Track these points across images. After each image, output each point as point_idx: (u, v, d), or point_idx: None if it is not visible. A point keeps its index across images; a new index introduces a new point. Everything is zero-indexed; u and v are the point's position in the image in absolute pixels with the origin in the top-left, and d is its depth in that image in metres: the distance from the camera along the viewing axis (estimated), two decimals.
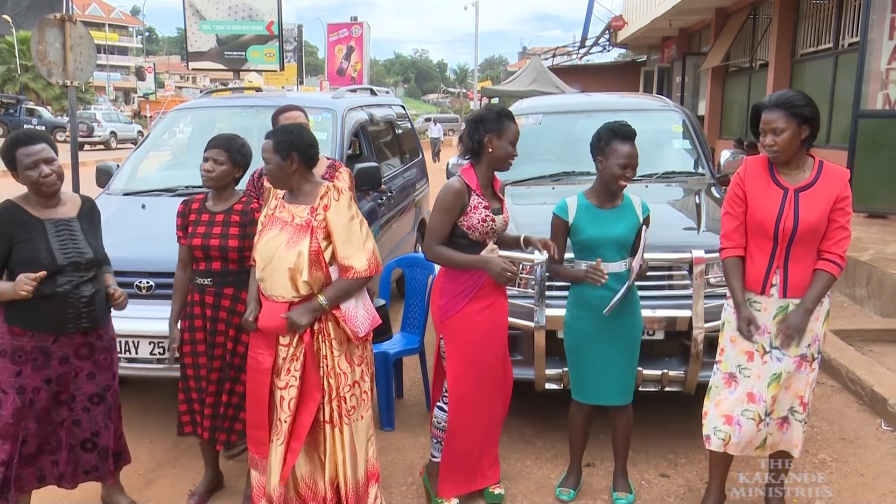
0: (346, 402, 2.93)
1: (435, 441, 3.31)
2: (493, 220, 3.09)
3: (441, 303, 3.15)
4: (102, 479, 3.15)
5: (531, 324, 3.62)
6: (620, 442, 3.36)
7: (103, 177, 5.21)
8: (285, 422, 2.89)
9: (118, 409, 3.17)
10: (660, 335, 3.76)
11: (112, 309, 3.06)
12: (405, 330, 4.54)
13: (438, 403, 3.29)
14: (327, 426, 2.93)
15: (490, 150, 3.07)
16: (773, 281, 2.93)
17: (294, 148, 2.86)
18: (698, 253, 3.58)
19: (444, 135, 30.66)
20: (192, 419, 3.27)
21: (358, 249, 2.87)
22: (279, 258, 2.82)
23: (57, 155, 2.90)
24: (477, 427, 3.23)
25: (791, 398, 2.99)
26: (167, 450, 3.89)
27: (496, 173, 3.21)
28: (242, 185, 3.53)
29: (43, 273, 2.71)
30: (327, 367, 2.90)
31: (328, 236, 2.84)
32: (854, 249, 6.91)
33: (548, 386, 3.75)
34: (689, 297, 3.63)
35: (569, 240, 3.25)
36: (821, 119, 2.89)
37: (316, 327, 2.88)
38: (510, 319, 3.73)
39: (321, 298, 2.83)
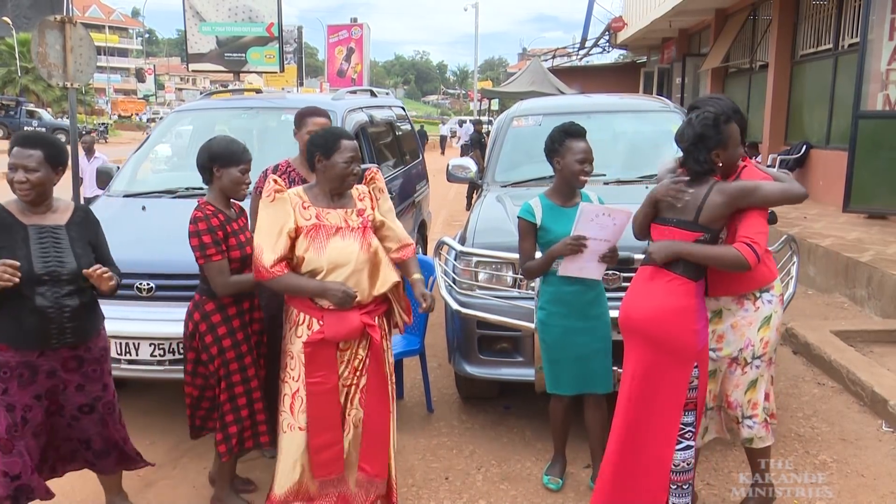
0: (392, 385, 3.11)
1: (684, 487, 2.98)
2: None
3: (699, 326, 2.86)
4: (101, 472, 3.11)
5: (531, 325, 3.62)
6: (598, 438, 3.39)
7: (104, 178, 5.22)
8: (356, 421, 2.98)
9: (119, 416, 3.08)
10: None
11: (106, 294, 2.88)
12: (405, 331, 4.53)
13: (684, 445, 2.94)
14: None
15: (720, 164, 2.86)
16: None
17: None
18: None
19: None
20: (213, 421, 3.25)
21: (405, 230, 3.13)
22: (359, 262, 2.88)
23: (56, 165, 2.78)
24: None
25: (721, 394, 3.11)
26: (167, 451, 3.89)
27: None
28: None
29: (15, 263, 2.56)
30: (388, 360, 3.06)
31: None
32: (854, 250, 6.91)
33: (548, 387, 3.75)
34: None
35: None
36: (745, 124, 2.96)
37: (377, 322, 2.99)
38: (510, 321, 3.75)
39: (417, 276, 3.09)
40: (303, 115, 3.63)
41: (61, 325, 2.74)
